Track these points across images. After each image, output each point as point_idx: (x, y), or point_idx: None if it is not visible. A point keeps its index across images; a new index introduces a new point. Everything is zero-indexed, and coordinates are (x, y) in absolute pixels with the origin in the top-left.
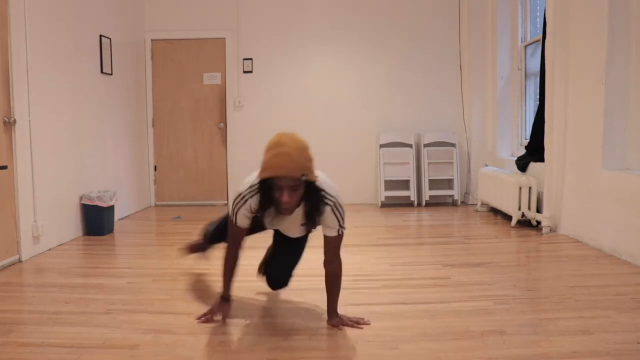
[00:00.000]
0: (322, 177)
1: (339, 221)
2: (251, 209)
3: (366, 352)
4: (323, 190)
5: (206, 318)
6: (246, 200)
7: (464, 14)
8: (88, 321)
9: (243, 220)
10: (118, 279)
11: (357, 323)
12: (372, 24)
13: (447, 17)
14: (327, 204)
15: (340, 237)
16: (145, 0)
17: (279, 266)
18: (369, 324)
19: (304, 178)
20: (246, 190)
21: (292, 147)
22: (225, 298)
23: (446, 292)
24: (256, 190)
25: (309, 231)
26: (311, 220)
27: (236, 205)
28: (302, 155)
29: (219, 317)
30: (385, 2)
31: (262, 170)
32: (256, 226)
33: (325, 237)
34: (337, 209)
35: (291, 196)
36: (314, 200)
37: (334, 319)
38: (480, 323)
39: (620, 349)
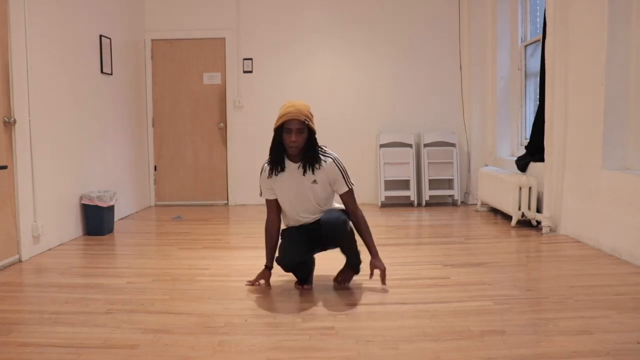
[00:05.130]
0: (327, 148)
1: (342, 173)
2: (268, 175)
3: (366, 352)
4: (322, 148)
5: (252, 282)
6: (264, 168)
7: (464, 14)
8: (88, 321)
9: (266, 191)
10: (118, 279)
11: (383, 278)
12: (372, 25)
13: (447, 17)
14: (327, 156)
15: (351, 191)
16: (145, 0)
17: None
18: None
19: (306, 122)
20: (264, 163)
21: (297, 102)
22: (267, 266)
23: (446, 292)
24: (269, 160)
25: (317, 193)
26: (311, 162)
27: (260, 176)
28: (305, 107)
29: (262, 282)
30: (385, 2)
31: (276, 121)
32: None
33: (341, 196)
34: (339, 162)
35: (297, 137)
36: (313, 149)
37: (376, 261)
38: (480, 323)
39: (620, 349)
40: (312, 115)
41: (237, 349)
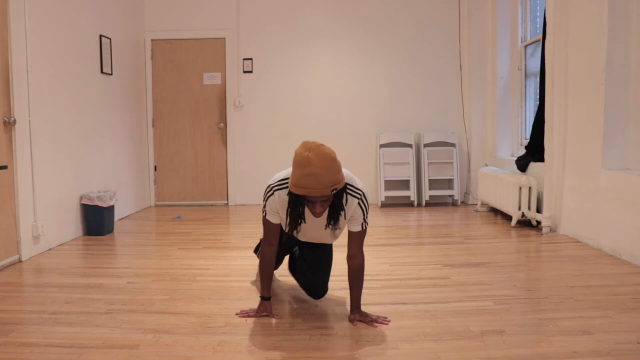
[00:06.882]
0: (347, 173)
1: (364, 214)
2: (278, 205)
3: (366, 352)
4: (350, 185)
5: (246, 313)
6: (274, 192)
7: (464, 14)
8: (88, 321)
9: (273, 214)
10: (118, 279)
11: (375, 321)
12: (372, 24)
13: (447, 17)
14: (354, 196)
15: (364, 231)
16: (145, 0)
17: (316, 278)
18: (386, 323)
19: (334, 192)
20: (276, 182)
21: (320, 166)
22: (265, 297)
23: (446, 292)
24: (285, 185)
25: (334, 233)
26: (335, 216)
27: (266, 196)
28: (331, 172)
29: (262, 314)
30: (384, 3)
31: (294, 187)
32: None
33: (350, 233)
34: (364, 202)
35: (323, 207)
36: (339, 205)
37: (355, 314)
38: (480, 323)
39: (620, 349)
40: (339, 172)
41: (237, 349)
